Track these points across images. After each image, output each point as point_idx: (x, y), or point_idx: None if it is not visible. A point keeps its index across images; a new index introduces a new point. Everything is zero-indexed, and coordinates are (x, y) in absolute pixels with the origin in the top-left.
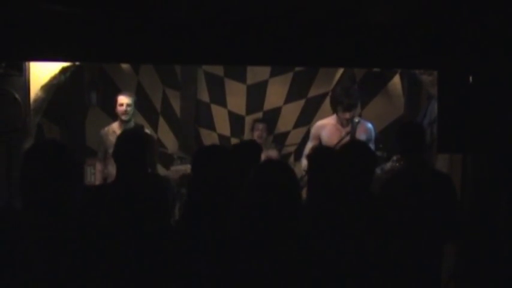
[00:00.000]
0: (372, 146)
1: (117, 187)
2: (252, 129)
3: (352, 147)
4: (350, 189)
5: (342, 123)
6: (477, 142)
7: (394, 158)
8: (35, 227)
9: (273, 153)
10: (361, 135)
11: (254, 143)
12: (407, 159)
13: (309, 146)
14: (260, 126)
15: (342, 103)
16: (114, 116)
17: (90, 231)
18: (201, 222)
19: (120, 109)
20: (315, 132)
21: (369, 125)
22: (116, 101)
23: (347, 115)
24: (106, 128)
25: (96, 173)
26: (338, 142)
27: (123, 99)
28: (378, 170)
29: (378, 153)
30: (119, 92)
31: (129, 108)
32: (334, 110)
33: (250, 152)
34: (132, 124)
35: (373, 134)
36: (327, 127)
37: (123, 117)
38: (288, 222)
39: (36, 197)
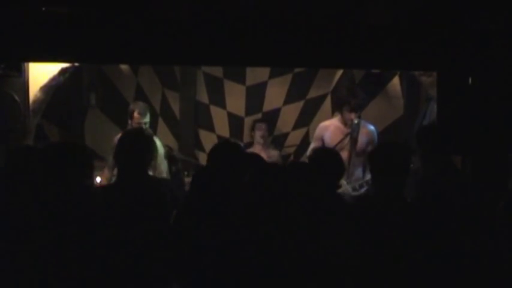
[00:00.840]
0: None
1: (117, 188)
2: (253, 129)
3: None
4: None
5: (346, 124)
6: (476, 143)
7: None
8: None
9: (274, 153)
10: (362, 137)
11: (233, 143)
12: (431, 161)
13: (312, 147)
14: (263, 126)
15: (349, 103)
16: (113, 117)
17: (89, 230)
18: (199, 223)
19: (137, 127)
20: (318, 134)
21: (371, 127)
22: (132, 115)
23: (353, 115)
24: (120, 135)
25: (103, 180)
26: (338, 143)
27: (141, 119)
28: None
29: None
30: (118, 92)
31: (146, 126)
32: (339, 110)
33: (230, 152)
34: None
35: (375, 136)
36: (330, 128)
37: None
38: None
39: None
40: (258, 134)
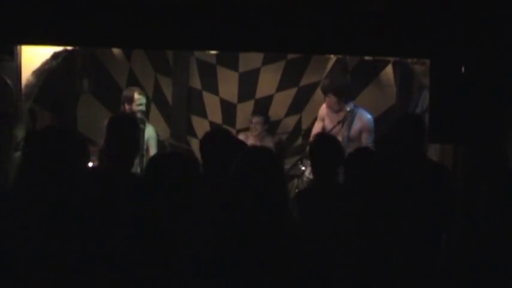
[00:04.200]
0: (368, 137)
1: (110, 172)
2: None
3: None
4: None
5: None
6: (468, 132)
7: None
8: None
9: (269, 142)
10: (356, 124)
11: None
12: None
13: (317, 125)
14: (259, 119)
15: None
16: (106, 103)
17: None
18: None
19: (137, 108)
20: (322, 113)
21: (368, 116)
22: (132, 98)
23: (328, 99)
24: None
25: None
26: (332, 128)
27: (141, 99)
28: None
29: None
30: (110, 77)
31: (144, 107)
32: None
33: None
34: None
35: (371, 125)
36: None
37: (138, 115)
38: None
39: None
40: (253, 125)
